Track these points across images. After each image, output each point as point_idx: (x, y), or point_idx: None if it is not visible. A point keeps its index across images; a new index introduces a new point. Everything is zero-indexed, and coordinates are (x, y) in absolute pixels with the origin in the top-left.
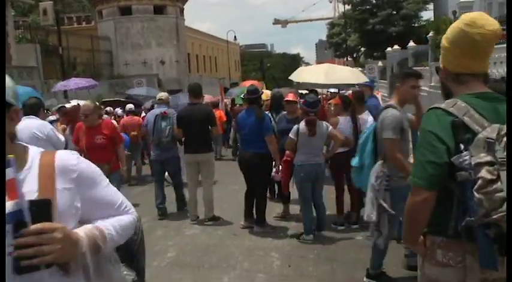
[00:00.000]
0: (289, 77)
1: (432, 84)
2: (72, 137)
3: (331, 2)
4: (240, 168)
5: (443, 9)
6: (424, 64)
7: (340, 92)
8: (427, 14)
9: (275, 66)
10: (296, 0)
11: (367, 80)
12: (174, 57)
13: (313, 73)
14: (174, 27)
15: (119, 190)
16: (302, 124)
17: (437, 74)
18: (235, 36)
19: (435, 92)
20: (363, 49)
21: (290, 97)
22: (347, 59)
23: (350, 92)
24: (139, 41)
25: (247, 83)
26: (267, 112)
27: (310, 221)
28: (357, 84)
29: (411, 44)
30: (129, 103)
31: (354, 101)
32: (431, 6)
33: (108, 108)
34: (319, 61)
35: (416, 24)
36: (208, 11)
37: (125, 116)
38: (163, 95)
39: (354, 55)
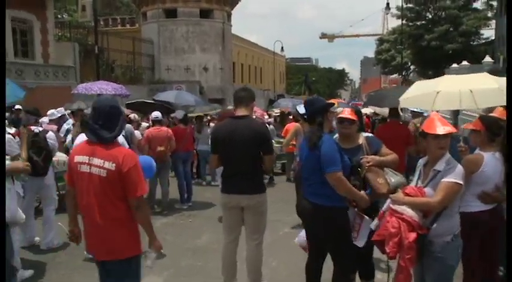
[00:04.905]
0: (400, 99)
1: None
2: None
3: (387, 14)
4: (302, 221)
5: (505, 27)
6: None
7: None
8: (487, 32)
9: (320, 81)
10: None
11: None
12: (219, 65)
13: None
14: (220, 32)
15: None
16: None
17: None
18: (282, 47)
19: None
20: (412, 67)
21: (347, 113)
22: (400, 75)
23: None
24: (183, 45)
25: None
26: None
27: None
28: None
29: (487, 59)
30: (155, 110)
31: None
32: (493, 23)
33: (132, 116)
34: (364, 78)
35: (475, 42)
36: (254, 23)
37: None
38: None
39: (403, 73)
